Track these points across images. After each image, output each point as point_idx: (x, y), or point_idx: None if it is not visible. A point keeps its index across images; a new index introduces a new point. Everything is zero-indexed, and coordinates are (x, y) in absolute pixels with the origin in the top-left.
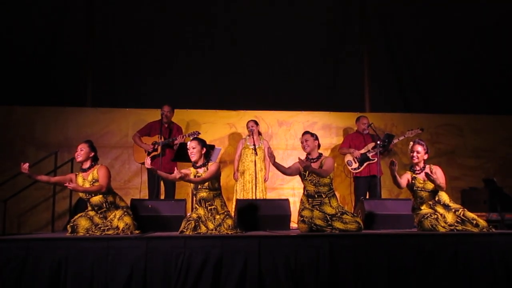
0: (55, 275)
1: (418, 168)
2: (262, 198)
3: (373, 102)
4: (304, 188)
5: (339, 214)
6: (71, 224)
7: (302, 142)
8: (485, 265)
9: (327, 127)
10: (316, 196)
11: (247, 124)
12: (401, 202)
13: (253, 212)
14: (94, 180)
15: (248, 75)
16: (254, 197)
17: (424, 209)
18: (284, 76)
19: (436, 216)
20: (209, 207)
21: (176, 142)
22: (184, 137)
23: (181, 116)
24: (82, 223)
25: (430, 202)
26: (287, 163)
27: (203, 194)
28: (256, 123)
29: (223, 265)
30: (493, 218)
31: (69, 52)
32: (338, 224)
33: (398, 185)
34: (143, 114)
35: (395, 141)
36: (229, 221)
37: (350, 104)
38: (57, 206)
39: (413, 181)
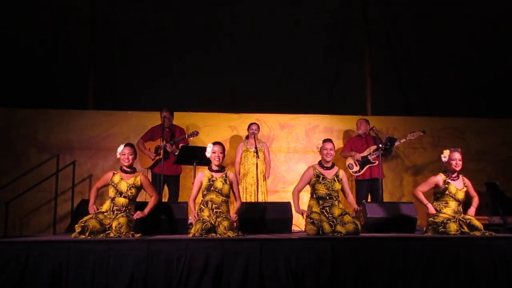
0: (56, 277)
1: (454, 175)
2: (263, 201)
3: (375, 105)
4: (313, 192)
5: (342, 215)
6: (82, 224)
7: (324, 149)
8: (486, 269)
9: (329, 130)
10: (327, 198)
11: (250, 126)
12: (403, 205)
13: (255, 215)
14: (133, 185)
15: (250, 78)
16: (256, 200)
17: (446, 213)
18: (285, 79)
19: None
20: (215, 210)
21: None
22: (185, 138)
23: (182, 119)
24: (92, 224)
25: (455, 210)
26: (288, 165)
27: (213, 196)
28: (259, 127)
29: (225, 267)
30: (495, 222)
31: (72, 54)
32: (339, 228)
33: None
34: (145, 117)
35: (397, 143)
36: (225, 223)
37: (352, 107)
38: (59, 208)
39: (445, 185)
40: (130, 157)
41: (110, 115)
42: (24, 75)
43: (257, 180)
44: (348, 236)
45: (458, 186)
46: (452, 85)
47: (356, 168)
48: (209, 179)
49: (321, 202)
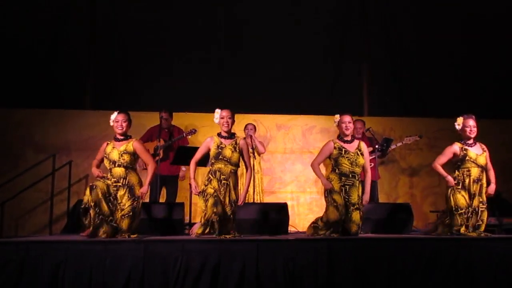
0: (53, 278)
1: (470, 141)
2: (260, 201)
3: (372, 106)
4: (336, 167)
5: (355, 207)
6: (91, 184)
7: (343, 123)
8: (485, 270)
9: (326, 131)
10: (350, 175)
11: (246, 127)
12: (400, 206)
13: (251, 216)
14: (125, 151)
15: (247, 79)
16: (252, 201)
17: (464, 192)
18: (283, 80)
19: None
20: (223, 181)
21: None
22: (183, 137)
23: (180, 120)
24: (101, 185)
25: (476, 177)
26: (285, 166)
27: (221, 166)
28: (255, 127)
29: (221, 269)
30: (491, 223)
31: (70, 55)
32: (355, 216)
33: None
34: (143, 117)
35: (393, 147)
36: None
37: (349, 108)
38: (55, 208)
39: (463, 152)
40: (124, 124)
41: (107, 115)
42: (21, 75)
43: (254, 180)
44: (346, 237)
45: (478, 152)
46: (450, 86)
47: None
48: (218, 146)
49: (343, 179)
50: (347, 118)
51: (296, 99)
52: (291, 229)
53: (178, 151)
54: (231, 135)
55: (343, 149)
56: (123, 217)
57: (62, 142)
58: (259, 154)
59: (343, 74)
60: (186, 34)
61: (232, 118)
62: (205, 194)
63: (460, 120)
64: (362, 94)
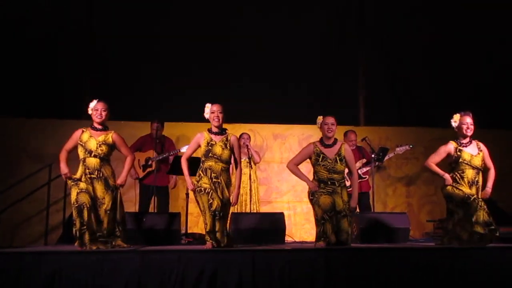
0: None
1: (465, 141)
2: (256, 211)
3: (368, 116)
4: (314, 173)
5: (342, 214)
6: (79, 205)
7: (325, 124)
8: (481, 280)
9: None
10: (329, 182)
11: (242, 136)
12: (396, 215)
13: (247, 225)
14: (103, 142)
15: (243, 88)
16: (248, 211)
17: (464, 187)
18: (279, 89)
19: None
20: (214, 180)
21: (170, 155)
22: (177, 151)
23: (174, 130)
24: (87, 201)
25: (472, 179)
26: (282, 176)
27: (211, 163)
28: (249, 136)
29: (218, 279)
30: None
31: (67, 64)
32: (344, 224)
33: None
34: (137, 127)
35: (386, 158)
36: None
37: (345, 117)
38: (51, 219)
39: (458, 154)
40: (103, 113)
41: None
42: (18, 84)
43: (250, 190)
44: (339, 246)
45: (473, 152)
46: (446, 95)
47: (347, 183)
48: (208, 143)
49: (322, 185)
50: (330, 120)
51: (292, 108)
52: (287, 239)
53: (175, 161)
54: (221, 131)
55: (321, 155)
56: (107, 211)
57: (58, 152)
58: (255, 163)
59: (339, 83)
60: (180, 44)
61: (223, 112)
62: (200, 190)
63: (456, 117)
64: (358, 103)
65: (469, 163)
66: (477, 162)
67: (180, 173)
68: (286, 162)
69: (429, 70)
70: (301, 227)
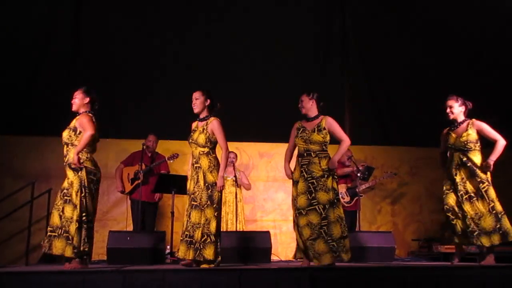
0: None
1: (456, 123)
2: (241, 230)
3: (353, 135)
4: (297, 147)
5: (332, 201)
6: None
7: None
8: None
9: None
10: (305, 154)
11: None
12: (382, 234)
13: (233, 244)
14: (69, 128)
15: (229, 107)
16: (234, 229)
17: (450, 195)
18: (265, 108)
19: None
20: (195, 164)
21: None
22: (164, 161)
23: (165, 146)
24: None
25: (457, 162)
26: (268, 194)
27: (192, 149)
28: (236, 155)
29: None
30: (471, 251)
31: (49, 81)
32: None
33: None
34: (125, 144)
35: (367, 185)
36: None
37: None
38: (32, 238)
39: (446, 137)
40: (75, 100)
41: None
42: (1, 101)
43: (236, 208)
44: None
45: (460, 132)
46: (431, 114)
47: (347, 199)
48: (192, 130)
49: (299, 159)
50: (301, 97)
51: (278, 127)
52: (273, 257)
53: (159, 179)
54: (205, 117)
55: (301, 128)
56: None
57: (41, 169)
58: (246, 190)
59: (324, 102)
60: (167, 62)
61: (200, 98)
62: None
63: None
64: (344, 122)
65: (453, 145)
66: (460, 142)
67: (165, 191)
68: (272, 181)
69: (414, 89)
70: (287, 246)
